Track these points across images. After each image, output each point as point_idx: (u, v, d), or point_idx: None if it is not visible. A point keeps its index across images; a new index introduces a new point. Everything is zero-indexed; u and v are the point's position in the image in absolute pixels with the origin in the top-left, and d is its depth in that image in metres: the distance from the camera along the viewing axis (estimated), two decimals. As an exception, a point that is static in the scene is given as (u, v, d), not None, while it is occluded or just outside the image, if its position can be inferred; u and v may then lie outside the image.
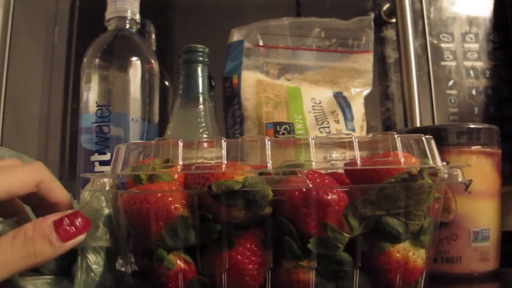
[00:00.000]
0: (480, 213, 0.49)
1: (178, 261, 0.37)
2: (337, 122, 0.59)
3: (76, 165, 0.62)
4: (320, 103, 0.61)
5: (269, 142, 0.36)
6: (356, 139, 0.37)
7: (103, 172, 0.58)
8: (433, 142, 0.38)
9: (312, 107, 0.61)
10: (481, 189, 0.50)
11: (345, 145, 0.37)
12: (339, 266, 0.36)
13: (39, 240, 0.30)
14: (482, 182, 0.50)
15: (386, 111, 0.72)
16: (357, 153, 0.36)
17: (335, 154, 0.42)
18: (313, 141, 0.36)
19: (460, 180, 0.37)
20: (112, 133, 0.60)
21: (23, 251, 0.30)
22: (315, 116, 0.59)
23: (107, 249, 0.39)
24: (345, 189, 0.36)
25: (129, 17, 0.64)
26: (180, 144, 0.37)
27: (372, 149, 0.39)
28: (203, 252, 0.37)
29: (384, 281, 0.37)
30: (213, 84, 0.72)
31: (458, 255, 0.49)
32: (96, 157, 0.59)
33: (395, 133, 0.37)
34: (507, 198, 0.69)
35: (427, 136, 0.38)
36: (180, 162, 0.37)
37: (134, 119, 0.60)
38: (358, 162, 0.36)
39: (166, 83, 0.76)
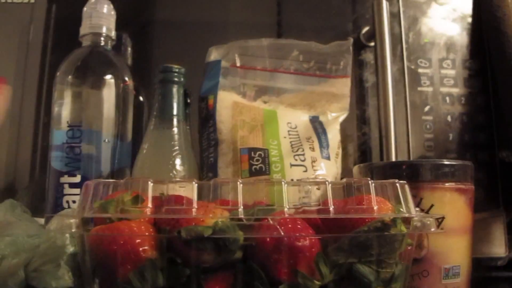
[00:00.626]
0: (452, 249, 0.50)
1: (146, 305, 0.36)
2: (312, 149, 0.59)
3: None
4: (296, 127, 0.61)
5: (241, 185, 0.36)
6: (330, 185, 0.36)
7: (72, 194, 0.57)
8: (407, 188, 0.38)
9: (288, 132, 0.60)
10: (453, 226, 0.50)
11: (318, 187, 0.36)
12: (309, 313, 0.35)
13: None
14: (455, 219, 0.50)
15: (362, 135, 0.72)
16: (330, 199, 0.36)
17: (310, 189, 0.42)
18: (286, 185, 0.36)
19: (432, 230, 0.36)
20: (84, 152, 0.58)
21: None
22: (291, 142, 0.59)
23: None
24: (318, 237, 0.35)
25: (104, 34, 0.62)
26: (150, 184, 0.36)
27: (347, 191, 0.39)
28: (170, 296, 0.36)
29: (354, 328, 0.36)
30: (189, 101, 0.71)
31: (428, 291, 0.49)
32: (66, 179, 0.57)
33: (369, 179, 0.37)
34: (480, 226, 0.69)
35: (401, 182, 0.38)
36: (150, 201, 0.36)
37: (107, 140, 0.59)
38: (331, 209, 0.35)
39: (141, 98, 0.75)
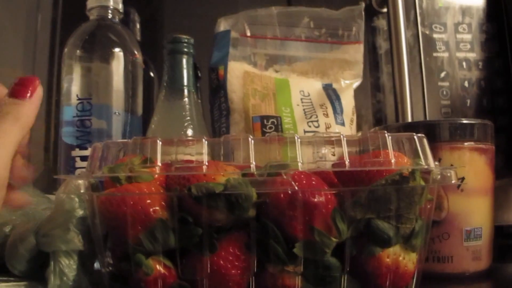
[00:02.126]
0: (473, 211, 0.48)
1: (158, 266, 0.35)
2: (326, 115, 0.57)
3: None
4: (308, 95, 0.60)
5: (252, 141, 0.35)
6: (345, 138, 0.35)
7: (84, 167, 0.56)
8: (425, 141, 0.37)
9: (301, 99, 0.59)
10: (474, 186, 0.48)
11: (333, 143, 0.35)
12: (327, 271, 0.34)
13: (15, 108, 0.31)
14: (475, 179, 0.48)
15: (377, 103, 0.70)
16: (345, 153, 0.34)
17: (324, 150, 0.40)
18: (299, 139, 0.35)
19: (453, 181, 0.35)
20: (94, 127, 0.58)
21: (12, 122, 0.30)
22: (304, 109, 0.58)
23: (81, 252, 0.37)
24: (333, 191, 0.34)
25: (111, 7, 0.61)
26: (159, 142, 0.35)
27: (362, 147, 0.38)
28: (183, 257, 0.35)
29: (373, 286, 0.35)
30: (199, 75, 0.70)
31: (449, 254, 0.47)
32: (77, 152, 0.57)
33: (385, 131, 0.36)
34: (500, 192, 0.68)
35: (419, 135, 0.37)
36: (159, 162, 0.35)
37: (117, 113, 0.58)
38: (347, 163, 0.34)
39: (151, 74, 0.74)
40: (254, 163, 0.34)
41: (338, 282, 0.35)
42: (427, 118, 0.67)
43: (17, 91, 0.32)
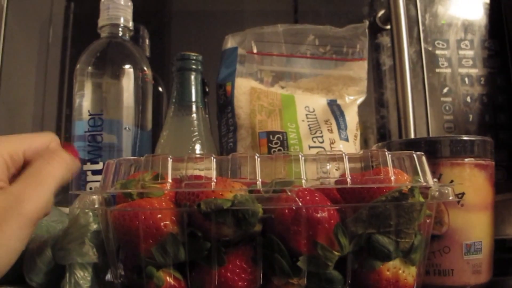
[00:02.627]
0: (473, 225, 0.49)
1: (168, 278, 0.36)
2: (331, 131, 0.59)
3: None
4: (313, 111, 0.61)
5: (258, 158, 0.36)
6: (347, 156, 0.36)
7: (95, 181, 0.58)
8: (424, 159, 0.38)
9: (306, 115, 0.60)
10: (474, 201, 0.49)
11: (336, 160, 0.37)
12: (329, 284, 0.36)
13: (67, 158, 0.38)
14: (475, 195, 0.49)
15: (381, 118, 0.72)
16: (347, 170, 0.36)
17: (329, 166, 0.42)
18: (303, 157, 0.36)
19: (451, 198, 0.36)
20: (105, 141, 0.59)
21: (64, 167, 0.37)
22: (309, 125, 0.59)
23: (95, 264, 0.38)
24: (335, 207, 0.36)
25: (122, 24, 0.63)
26: (170, 160, 0.37)
27: (364, 163, 0.39)
28: (192, 269, 0.37)
29: (374, 299, 0.36)
30: (207, 90, 0.72)
31: (450, 267, 0.48)
32: (88, 166, 0.58)
33: (385, 149, 0.37)
34: (502, 207, 0.69)
35: (418, 153, 0.38)
36: (170, 178, 0.37)
37: (127, 128, 0.60)
38: (348, 180, 0.35)
39: (160, 89, 0.76)
40: (260, 180, 0.36)
41: (340, 294, 0.36)
42: (430, 134, 0.68)
43: (71, 151, 0.39)
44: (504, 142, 0.70)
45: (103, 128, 0.59)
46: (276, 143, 0.57)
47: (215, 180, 0.36)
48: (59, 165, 0.37)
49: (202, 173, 0.39)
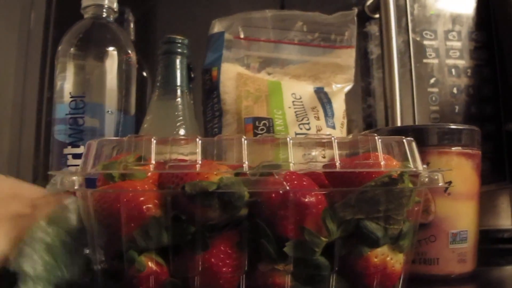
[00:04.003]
0: (459, 214, 0.49)
1: (150, 263, 0.35)
2: (317, 118, 0.58)
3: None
4: (300, 98, 0.60)
5: (245, 141, 0.35)
6: (336, 140, 0.36)
7: (76, 165, 0.56)
8: (414, 145, 0.38)
9: (293, 102, 0.60)
10: (460, 190, 0.49)
11: (324, 145, 0.36)
12: (316, 270, 0.35)
13: None
14: (462, 184, 0.49)
15: (367, 107, 0.71)
16: (336, 155, 0.35)
17: (314, 152, 0.41)
18: (291, 141, 0.35)
19: (440, 184, 0.36)
20: (87, 125, 0.58)
21: None
22: (295, 112, 0.58)
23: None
24: (324, 192, 0.35)
25: (106, 5, 0.61)
26: (154, 141, 0.36)
27: (352, 149, 0.38)
28: (176, 254, 0.36)
29: (361, 285, 0.36)
30: (192, 76, 0.70)
31: (436, 256, 0.48)
32: (69, 150, 0.57)
33: (375, 134, 0.36)
34: (485, 198, 0.69)
35: (408, 139, 0.38)
36: (153, 160, 0.36)
37: (110, 111, 0.59)
38: (337, 164, 0.35)
39: (144, 74, 0.74)
40: (247, 162, 0.35)
41: (327, 281, 0.35)
42: (416, 123, 0.68)
43: None
44: (489, 134, 0.70)
45: (85, 111, 0.57)
46: (262, 129, 0.56)
47: (200, 162, 0.34)
48: None
49: (186, 158, 0.38)
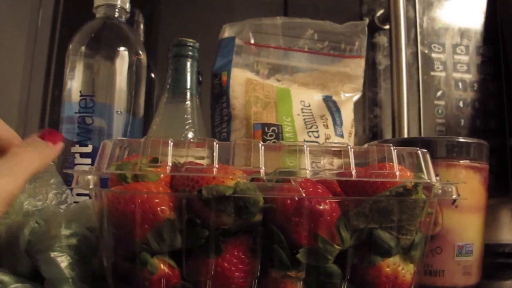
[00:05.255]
0: (466, 227, 0.49)
1: (162, 266, 0.35)
2: (326, 126, 0.58)
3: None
4: (309, 106, 0.61)
5: (262, 147, 0.35)
6: (352, 149, 0.36)
7: (83, 164, 0.56)
8: (428, 156, 0.38)
9: (301, 109, 0.60)
10: (468, 203, 0.49)
11: (340, 154, 0.36)
12: (328, 278, 0.35)
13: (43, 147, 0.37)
14: (469, 197, 0.49)
15: (374, 117, 0.72)
16: (352, 163, 0.35)
17: (323, 161, 0.41)
18: (308, 148, 0.35)
19: (454, 196, 0.36)
20: (95, 125, 0.58)
21: (38, 155, 0.36)
22: (304, 119, 0.59)
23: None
24: (338, 200, 0.35)
25: (118, 5, 0.62)
26: (171, 143, 0.36)
27: (363, 159, 0.39)
28: (188, 258, 0.36)
29: (372, 295, 0.36)
30: (200, 79, 0.70)
31: (441, 268, 0.48)
32: (77, 149, 0.57)
33: (391, 144, 0.37)
34: (488, 212, 0.69)
35: (423, 150, 0.38)
36: (170, 162, 0.36)
37: (119, 112, 0.59)
38: (353, 172, 0.35)
39: (152, 75, 0.74)
40: (263, 168, 0.35)
41: (339, 289, 0.36)
42: (422, 135, 0.68)
43: (48, 137, 0.38)
44: (494, 148, 0.70)
45: (94, 111, 0.58)
46: (271, 135, 0.56)
47: (217, 166, 0.35)
48: (34, 154, 0.36)
49: (198, 162, 0.38)
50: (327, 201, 0.35)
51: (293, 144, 0.36)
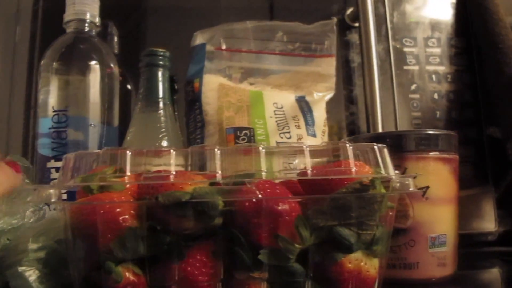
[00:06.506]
0: (438, 218, 0.50)
1: (127, 273, 0.36)
2: (298, 127, 0.59)
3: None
4: (282, 107, 0.61)
5: (218, 151, 0.36)
6: (308, 149, 0.36)
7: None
8: (386, 151, 0.38)
9: (274, 111, 0.60)
10: (438, 195, 0.50)
11: (296, 153, 0.37)
12: (291, 277, 0.36)
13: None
14: (439, 188, 0.50)
15: (350, 115, 0.72)
16: (308, 163, 0.36)
17: (296, 161, 0.42)
18: (263, 150, 0.36)
19: (411, 189, 0.37)
20: (70, 138, 0.58)
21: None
22: (277, 121, 0.59)
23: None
24: (297, 200, 0.36)
25: (88, 20, 0.62)
26: (129, 153, 0.36)
27: (329, 157, 0.39)
28: (153, 264, 0.36)
29: (336, 291, 0.36)
30: (176, 88, 0.71)
31: (415, 261, 0.49)
32: (52, 164, 0.57)
33: (347, 141, 0.37)
34: (469, 202, 0.70)
35: (380, 145, 0.38)
36: (128, 171, 0.36)
37: (93, 124, 0.59)
38: (309, 172, 0.35)
39: (129, 86, 0.75)
40: (220, 172, 0.35)
41: (303, 287, 0.36)
42: (398, 129, 0.69)
43: (13, 166, 0.42)
44: (471, 138, 0.71)
45: (68, 125, 0.58)
46: (243, 139, 0.57)
47: (174, 173, 0.35)
48: (3, 176, 0.37)
49: (167, 169, 0.38)
50: (286, 201, 0.35)
51: (248, 148, 0.36)
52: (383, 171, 0.37)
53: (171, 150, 0.36)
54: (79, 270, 0.38)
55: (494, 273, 0.59)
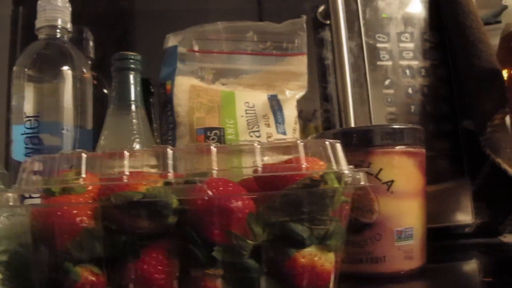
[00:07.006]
0: (403, 212, 0.50)
1: (85, 273, 0.36)
2: (268, 125, 0.59)
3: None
4: (253, 107, 0.62)
5: (171, 151, 0.37)
6: (259, 146, 0.37)
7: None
8: (338, 146, 0.39)
9: (245, 111, 0.61)
10: (404, 189, 0.50)
11: (247, 151, 0.37)
12: (246, 273, 0.36)
13: None
14: (404, 182, 0.50)
15: (324, 112, 0.73)
16: (258, 160, 0.36)
17: (266, 158, 0.42)
18: (215, 149, 0.36)
19: (362, 183, 0.37)
20: (44, 144, 0.59)
21: None
22: (247, 120, 0.60)
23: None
24: (249, 196, 0.36)
25: (59, 26, 0.63)
26: (84, 156, 0.37)
27: (282, 154, 0.40)
28: (111, 264, 0.37)
29: (291, 286, 0.37)
30: (152, 90, 0.72)
31: (382, 254, 0.49)
32: (25, 169, 0.58)
33: (298, 138, 0.38)
34: (445, 195, 0.70)
35: (331, 141, 0.39)
36: (83, 174, 0.37)
37: (66, 129, 0.60)
38: (259, 169, 0.36)
39: (105, 90, 0.76)
40: (172, 171, 0.36)
41: (257, 283, 0.36)
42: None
43: None
44: (446, 132, 0.71)
45: (40, 131, 0.59)
46: (213, 139, 0.58)
47: (127, 173, 0.36)
48: None
49: (139, 170, 0.39)
50: (239, 198, 0.36)
51: (202, 147, 0.37)
52: (334, 166, 0.38)
53: (125, 151, 0.37)
54: (40, 272, 0.38)
55: (468, 265, 0.60)
